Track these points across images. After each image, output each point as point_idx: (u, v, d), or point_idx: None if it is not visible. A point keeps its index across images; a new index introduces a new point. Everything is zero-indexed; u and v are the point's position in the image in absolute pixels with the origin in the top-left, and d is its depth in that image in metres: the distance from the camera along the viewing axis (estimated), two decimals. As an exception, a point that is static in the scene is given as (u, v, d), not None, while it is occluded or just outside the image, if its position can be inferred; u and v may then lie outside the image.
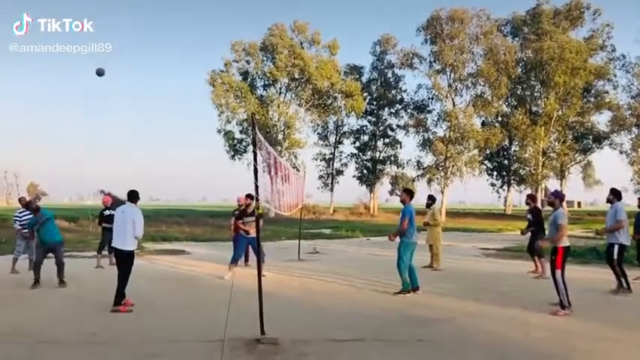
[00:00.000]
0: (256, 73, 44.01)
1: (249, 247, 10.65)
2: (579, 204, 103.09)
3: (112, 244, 7.44)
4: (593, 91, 44.27)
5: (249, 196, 9.92)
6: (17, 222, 10.59)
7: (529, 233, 10.93)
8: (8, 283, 9.30)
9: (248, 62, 43.91)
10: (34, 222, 9.17)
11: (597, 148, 46.11)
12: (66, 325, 6.25)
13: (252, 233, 9.48)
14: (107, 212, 11.28)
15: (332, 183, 49.17)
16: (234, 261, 10.25)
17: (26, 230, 9.80)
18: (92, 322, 6.39)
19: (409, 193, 8.82)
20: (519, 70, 44.31)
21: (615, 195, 8.98)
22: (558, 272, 6.99)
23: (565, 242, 7.09)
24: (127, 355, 5.11)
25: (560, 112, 42.79)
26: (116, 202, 11.46)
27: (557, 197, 7.46)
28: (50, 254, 9.14)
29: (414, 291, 8.52)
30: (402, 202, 8.73)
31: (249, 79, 43.90)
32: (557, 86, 40.97)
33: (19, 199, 11.84)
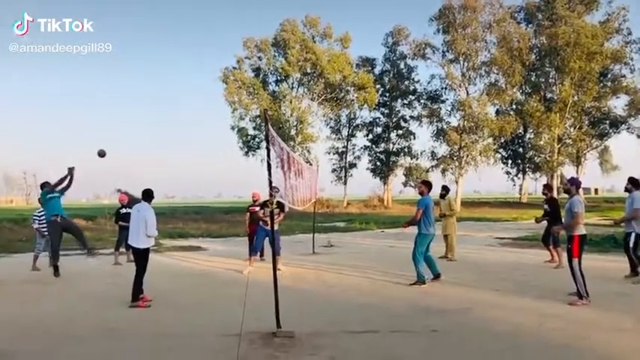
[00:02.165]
0: (268, 68, 44.06)
1: (265, 240, 10.75)
2: (596, 191, 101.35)
3: (128, 242, 7.56)
4: (609, 76, 43.56)
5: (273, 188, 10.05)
6: (36, 221, 10.81)
7: (545, 222, 10.84)
8: (30, 280, 9.52)
9: (260, 58, 44.00)
10: (48, 192, 9.55)
11: (614, 132, 45.42)
12: (85, 320, 6.38)
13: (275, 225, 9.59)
14: (123, 210, 11.45)
15: (345, 176, 49.07)
16: (253, 252, 10.46)
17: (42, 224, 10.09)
18: (111, 317, 6.50)
19: (427, 184, 8.93)
20: (533, 56, 43.69)
21: (633, 184, 8.84)
22: (575, 261, 6.90)
23: (581, 230, 7.00)
24: (146, 349, 5.20)
25: (575, 98, 42.16)
26: (132, 201, 11.59)
27: (573, 184, 7.37)
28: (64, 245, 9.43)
29: (436, 278, 8.65)
30: (420, 193, 8.84)
31: (261, 75, 43.97)
32: (572, 72, 40.35)
33: (39, 199, 12.05)
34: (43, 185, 9.92)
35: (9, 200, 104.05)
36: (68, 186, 9.81)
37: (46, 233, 10.31)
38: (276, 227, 8.91)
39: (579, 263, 6.91)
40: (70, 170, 9.71)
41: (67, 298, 7.87)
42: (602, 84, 43.01)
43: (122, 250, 11.51)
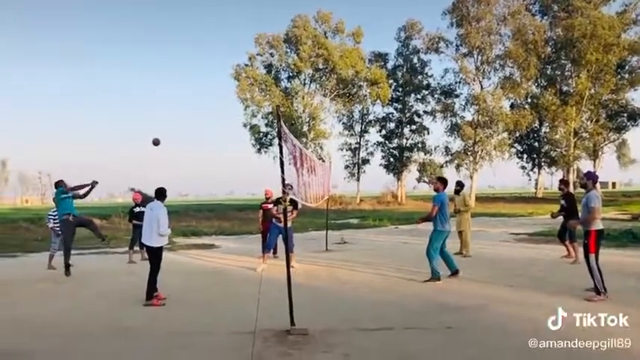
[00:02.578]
0: (280, 65, 44.07)
1: (279, 238, 10.74)
2: (614, 184, 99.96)
3: (142, 241, 7.61)
4: (627, 68, 42.83)
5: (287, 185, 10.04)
6: (51, 220, 10.92)
7: (561, 217, 10.67)
8: (45, 279, 9.60)
9: (272, 55, 44.02)
10: (63, 192, 9.72)
11: (632, 125, 44.50)
12: (100, 319, 6.42)
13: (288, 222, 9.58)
14: (137, 209, 11.51)
15: (358, 172, 48.95)
16: (267, 249, 10.46)
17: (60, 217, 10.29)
18: (125, 316, 6.54)
19: (443, 181, 8.90)
20: (549, 49, 43.02)
21: None
22: (592, 256, 6.78)
23: (598, 225, 6.87)
24: (160, 348, 5.22)
25: (592, 91, 41.51)
26: (146, 199, 11.67)
27: (589, 179, 7.21)
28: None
29: (455, 275, 8.64)
30: (436, 190, 8.80)
31: (273, 72, 43.99)
32: (588, 64, 39.72)
33: (53, 199, 12.19)
34: (58, 184, 10.02)
35: (24, 200, 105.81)
36: (83, 196, 10.01)
37: (60, 232, 10.43)
38: (289, 224, 8.91)
39: (596, 258, 6.79)
40: (93, 184, 9.91)
41: (82, 297, 7.94)
42: (619, 76, 42.31)
43: (136, 248, 11.59)
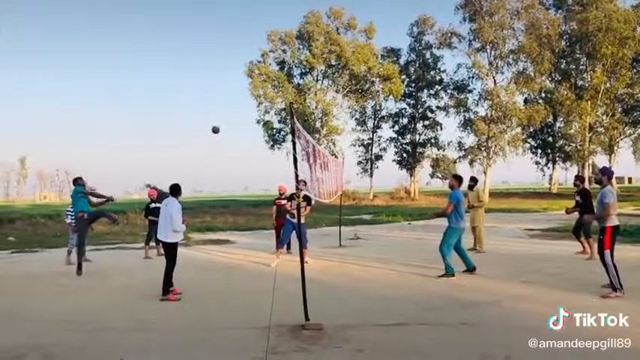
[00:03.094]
0: (293, 61, 44.16)
1: (292, 233, 10.80)
2: (630, 180, 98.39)
3: (157, 236, 7.71)
4: (643, 61, 42.27)
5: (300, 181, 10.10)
6: (69, 216, 11.10)
7: (576, 213, 10.59)
8: (63, 274, 9.75)
9: (284, 51, 44.14)
10: (82, 190, 9.88)
11: (649, 120, 44.09)
12: (118, 313, 6.52)
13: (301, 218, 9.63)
14: (153, 205, 11.67)
15: (371, 168, 48.92)
16: (280, 245, 10.54)
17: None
18: (143, 310, 6.64)
19: (458, 179, 8.93)
20: (563, 43, 42.62)
21: None
22: (607, 253, 6.73)
23: (613, 221, 6.82)
24: (177, 343, 5.28)
25: (607, 85, 41.04)
26: (161, 196, 11.81)
27: (604, 174, 7.14)
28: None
29: (471, 271, 8.65)
30: (451, 187, 8.81)
31: (285, 69, 44.10)
32: (604, 58, 39.28)
33: (71, 195, 12.36)
34: (77, 181, 10.15)
35: (42, 196, 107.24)
36: (95, 204, 10.23)
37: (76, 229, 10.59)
38: (302, 220, 8.95)
39: (611, 255, 6.74)
40: (109, 199, 10.15)
41: (99, 292, 8.05)
42: (635, 70, 41.78)
43: (152, 244, 11.73)
